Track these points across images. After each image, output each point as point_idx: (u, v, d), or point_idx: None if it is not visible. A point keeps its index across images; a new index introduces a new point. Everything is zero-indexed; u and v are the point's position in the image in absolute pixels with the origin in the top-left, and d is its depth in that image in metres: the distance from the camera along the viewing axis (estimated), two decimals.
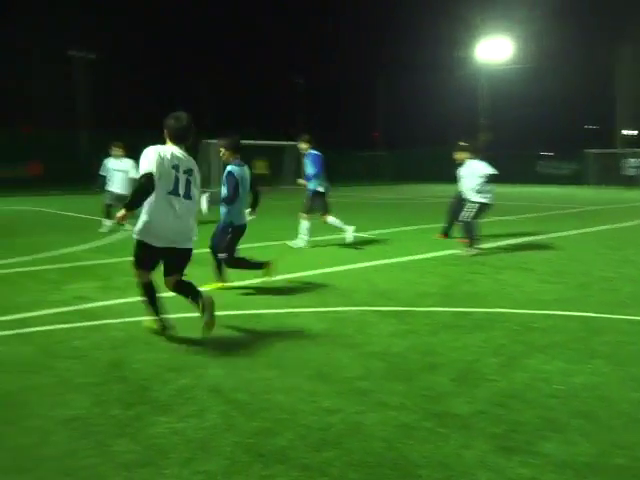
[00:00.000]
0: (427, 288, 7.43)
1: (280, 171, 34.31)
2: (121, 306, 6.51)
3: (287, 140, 32.85)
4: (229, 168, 7.06)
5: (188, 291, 5.36)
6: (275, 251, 10.08)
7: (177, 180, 5.13)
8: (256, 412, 3.85)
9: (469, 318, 6.06)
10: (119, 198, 12.32)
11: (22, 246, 10.72)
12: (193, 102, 48.14)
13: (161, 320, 5.42)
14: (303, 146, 10.86)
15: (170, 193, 5.10)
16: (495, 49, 46.79)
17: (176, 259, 5.32)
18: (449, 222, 12.04)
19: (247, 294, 7.14)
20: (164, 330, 5.39)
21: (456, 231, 11.52)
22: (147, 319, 5.55)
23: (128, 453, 3.33)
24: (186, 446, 3.40)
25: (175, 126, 5.27)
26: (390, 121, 58.04)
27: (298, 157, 35.01)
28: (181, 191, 5.17)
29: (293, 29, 58.34)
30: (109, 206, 12.81)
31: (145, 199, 5.02)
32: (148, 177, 4.93)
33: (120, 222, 5.16)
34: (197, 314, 5.21)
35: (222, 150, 7.20)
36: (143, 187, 4.96)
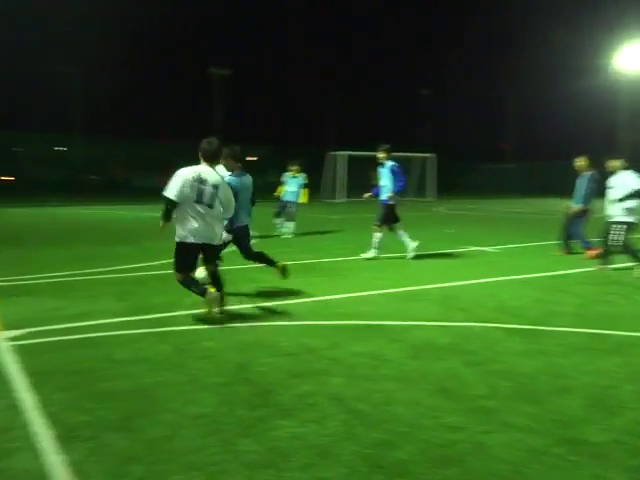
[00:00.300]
0: (558, 307, 7.07)
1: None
2: (249, 311, 6.75)
3: (413, 152, 32.72)
4: (227, 179, 7.10)
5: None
6: (398, 263, 10.05)
7: (202, 191, 6.19)
8: (376, 423, 3.83)
9: (604, 341, 5.69)
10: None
11: (156, 250, 11.40)
12: (318, 115, 49.33)
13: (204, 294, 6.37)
14: (381, 155, 10.86)
15: (196, 202, 6.18)
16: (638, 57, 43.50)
17: (206, 253, 6.46)
18: (564, 238, 11.57)
19: (370, 305, 7.14)
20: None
21: (578, 247, 10.97)
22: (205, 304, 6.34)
23: (251, 453, 3.43)
24: (307, 451, 3.45)
25: (207, 149, 6.38)
26: (520, 132, 56.09)
27: (423, 168, 34.79)
28: (205, 200, 6.20)
29: (419, 41, 58.04)
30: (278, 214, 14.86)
31: (170, 213, 6.25)
32: (167, 199, 6.19)
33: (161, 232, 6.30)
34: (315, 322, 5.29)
35: (225, 160, 7.48)
36: (165, 206, 6.25)
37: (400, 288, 8.01)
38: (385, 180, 10.84)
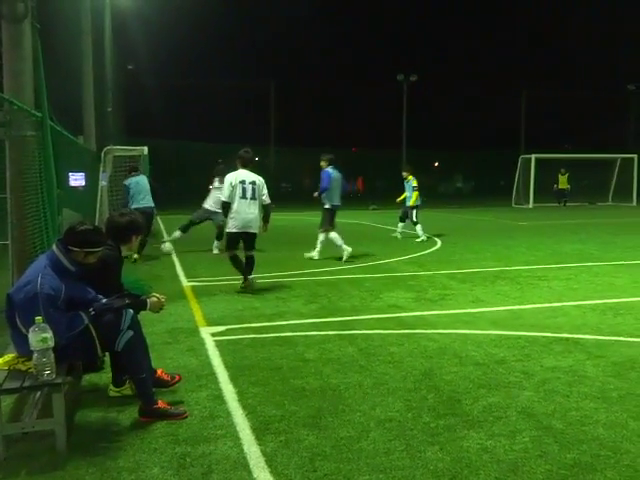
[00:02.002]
0: None
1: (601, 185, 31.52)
2: (434, 317, 6.69)
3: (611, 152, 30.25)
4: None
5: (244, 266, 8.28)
6: (595, 273, 9.35)
7: (244, 189, 7.99)
8: (572, 443, 3.59)
9: None
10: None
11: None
12: (508, 118, 47.46)
13: (246, 279, 8.20)
14: (322, 164, 11.14)
15: (241, 197, 7.99)
16: None
17: (248, 239, 8.20)
18: None
19: (564, 316, 6.70)
20: (247, 287, 8.16)
21: None
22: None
23: (437, 461, 3.39)
24: (496, 465, 3.33)
25: (244, 156, 8.25)
26: None
27: (615, 171, 31.92)
28: (248, 195, 8.01)
29: (619, 36, 53.41)
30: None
31: (227, 213, 8.13)
32: (224, 204, 8.14)
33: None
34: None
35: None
36: (223, 209, 8.26)
37: (597, 300, 7.43)
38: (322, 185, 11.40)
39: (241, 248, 8.34)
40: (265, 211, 8.39)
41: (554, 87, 48.83)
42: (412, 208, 14.56)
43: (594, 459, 3.39)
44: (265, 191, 8.26)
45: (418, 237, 14.21)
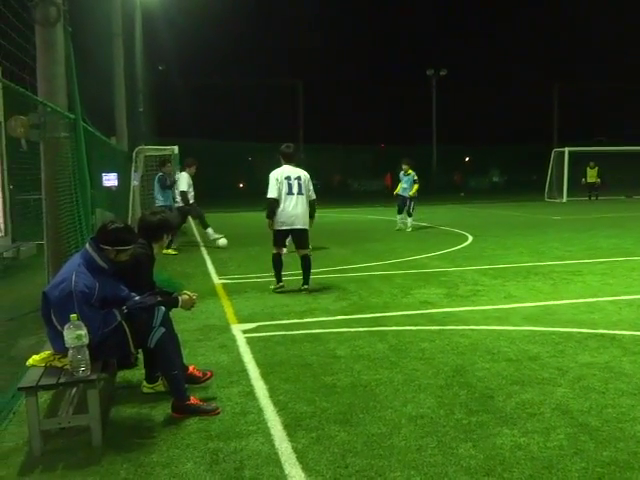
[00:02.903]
0: None
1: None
2: (465, 314, 6.62)
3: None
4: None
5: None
6: (631, 267, 9.16)
7: (290, 185, 7.77)
8: (609, 440, 3.52)
9: None
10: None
11: (375, 252, 11.71)
12: (543, 109, 46.74)
13: (280, 282, 8.11)
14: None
15: (287, 194, 7.75)
16: None
17: (297, 236, 7.98)
18: None
19: (599, 312, 6.57)
20: (279, 288, 8.04)
21: None
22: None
23: (470, 458, 3.36)
24: (530, 463, 3.29)
25: (286, 152, 8.01)
26: None
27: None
28: (294, 190, 7.77)
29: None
30: None
31: (274, 212, 7.79)
32: (270, 200, 7.79)
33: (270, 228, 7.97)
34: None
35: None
36: (269, 206, 7.85)
37: (634, 295, 7.28)
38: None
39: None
40: (311, 207, 8.24)
41: (587, 79, 47.97)
42: (412, 199, 15.43)
43: (631, 457, 3.33)
44: (311, 187, 8.10)
45: (407, 227, 15.43)
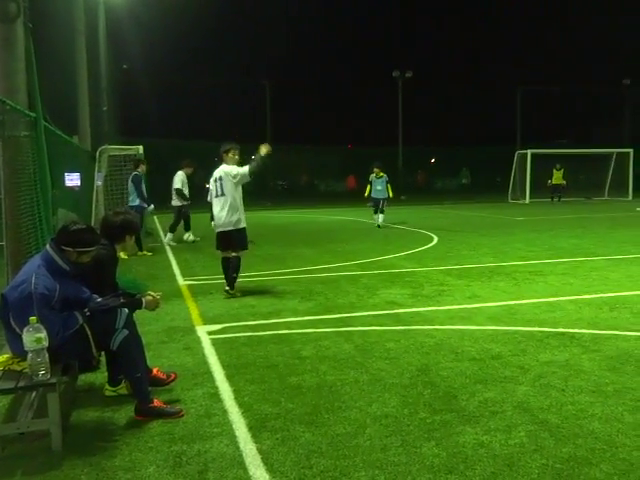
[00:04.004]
0: None
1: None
2: (430, 313, 6.69)
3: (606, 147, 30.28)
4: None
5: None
6: (590, 267, 9.37)
7: (216, 187, 7.70)
8: (568, 437, 3.60)
9: None
10: None
11: (342, 252, 11.75)
12: (505, 115, 47.40)
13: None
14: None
15: (215, 196, 7.74)
16: None
17: (225, 238, 7.77)
18: None
19: (560, 311, 6.71)
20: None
21: None
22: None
23: (434, 457, 3.39)
24: (492, 460, 3.34)
25: (220, 151, 7.83)
26: None
27: (620, 165, 31.98)
28: (218, 192, 7.70)
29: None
30: None
31: (212, 216, 7.93)
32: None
33: None
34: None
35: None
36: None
37: (593, 295, 7.45)
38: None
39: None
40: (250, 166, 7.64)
41: (550, 82, 48.87)
42: (387, 199, 16.82)
43: (589, 453, 3.40)
44: (235, 172, 7.62)
45: (377, 224, 16.66)
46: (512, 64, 52.34)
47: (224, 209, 7.67)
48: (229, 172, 7.69)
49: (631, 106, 47.23)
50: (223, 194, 7.68)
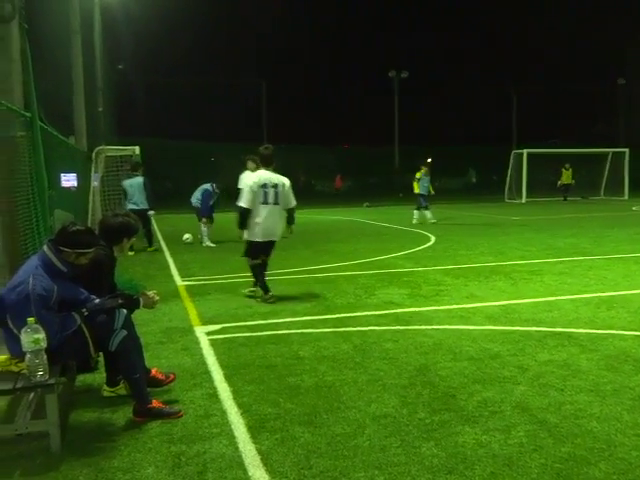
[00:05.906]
0: None
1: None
2: (428, 313, 6.69)
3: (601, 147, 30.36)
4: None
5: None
6: (588, 266, 9.38)
7: (266, 194, 7.21)
8: (567, 437, 3.60)
9: None
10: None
11: (340, 252, 11.75)
12: (503, 114, 47.50)
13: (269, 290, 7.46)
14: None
15: (262, 203, 7.20)
16: None
17: (269, 247, 7.51)
18: None
19: (558, 311, 6.71)
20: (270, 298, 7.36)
21: None
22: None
23: (433, 457, 3.39)
24: (491, 460, 3.34)
25: (264, 154, 7.42)
26: None
27: (615, 165, 32.06)
28: (270, 200, 7.25)
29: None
30: None
31: (245, 223, 7.31)
32: (242, 209, 7.25)
33: None
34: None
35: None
36: (241, 215, 7.32)
37: (591, 294, 7.46)
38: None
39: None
40: (290, 215, 7.60)
41: (545, 82, 48.99)
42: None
43: (588, 452, 3.40)
44: (291, 194, 7.45)
45: (432, 219, 17.37)
46: (509, 64, 52.53)
47: (275, 218, 7.36)
48: (285, 182, 7.40)
49: (624, 106, 47.34)
50: (277, 203, 7.31)
